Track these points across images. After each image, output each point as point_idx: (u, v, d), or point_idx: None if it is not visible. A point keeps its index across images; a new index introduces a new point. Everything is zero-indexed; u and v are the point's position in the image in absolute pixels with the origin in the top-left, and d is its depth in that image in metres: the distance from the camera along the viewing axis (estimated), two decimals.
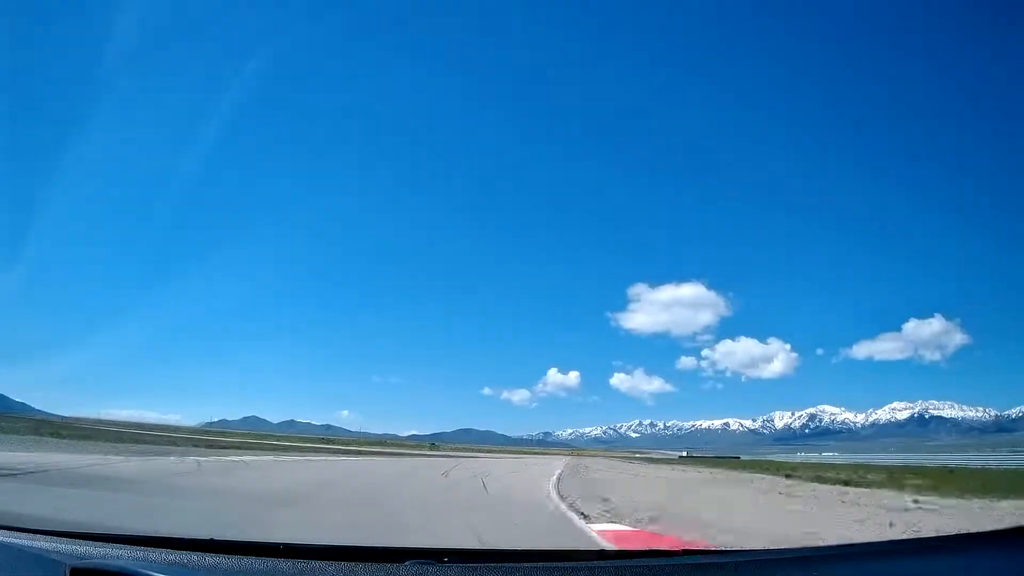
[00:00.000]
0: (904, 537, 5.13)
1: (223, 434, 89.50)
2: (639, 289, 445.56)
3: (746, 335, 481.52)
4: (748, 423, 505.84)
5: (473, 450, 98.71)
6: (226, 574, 1.87)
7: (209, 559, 1.94)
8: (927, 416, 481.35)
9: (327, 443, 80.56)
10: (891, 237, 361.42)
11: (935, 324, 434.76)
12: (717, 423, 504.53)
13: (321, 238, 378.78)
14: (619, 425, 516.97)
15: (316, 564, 1.83)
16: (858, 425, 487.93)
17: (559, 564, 2.18)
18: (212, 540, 2.17)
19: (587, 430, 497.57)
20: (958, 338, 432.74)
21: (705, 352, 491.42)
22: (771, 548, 4.13)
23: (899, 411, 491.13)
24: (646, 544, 6.30)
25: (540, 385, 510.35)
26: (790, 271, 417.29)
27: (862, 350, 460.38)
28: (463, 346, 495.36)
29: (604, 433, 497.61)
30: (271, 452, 31.87)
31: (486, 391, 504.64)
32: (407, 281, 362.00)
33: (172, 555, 1.95)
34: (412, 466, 25.56)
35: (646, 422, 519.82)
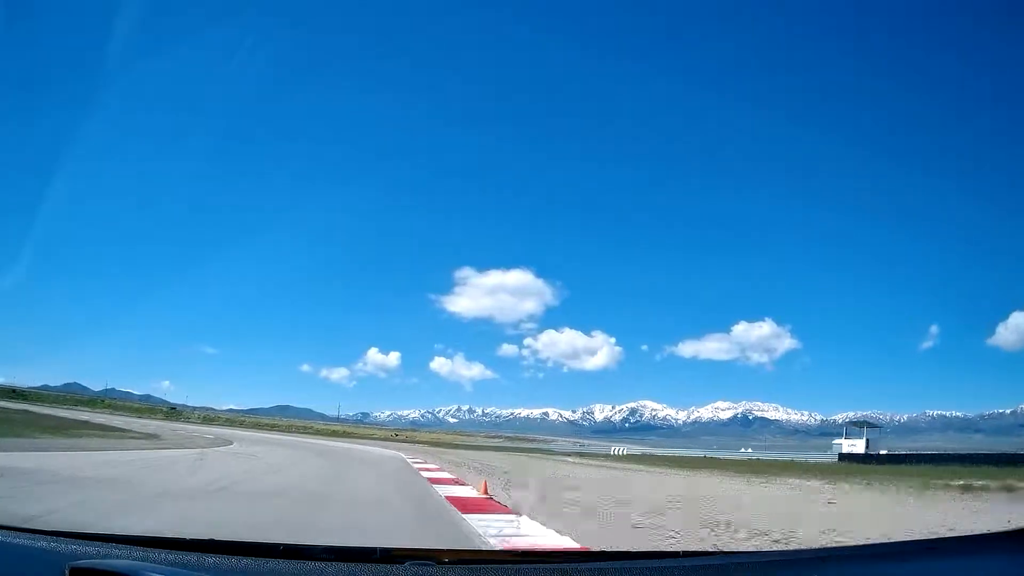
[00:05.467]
0: (905, 539, 5.18)
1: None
2: (466, 272, 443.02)
3: (571, 326, 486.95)
4: (568, 414, 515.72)
5: (286, 429, 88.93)
6: (226, 574, 1.89)
7: (209, 559, 1.96)
8: (751, 417, 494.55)
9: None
10: (727, 240, 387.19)
11: (765, 328, 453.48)
12: (536, 412, 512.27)
13: (152, 207, 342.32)
14: (437, 409, 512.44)
15: (316, 565, 1.88)
16: (679, 422, 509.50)
17: (559, 565, 2.27)
18: (212, 540, 2.23)
19: (405, 412, 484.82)
20: (787, 343, 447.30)
21: (528, 341, 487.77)
22: (772, 550, 4.22)
23: (722, 410, 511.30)
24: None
25: (360, 364, 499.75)
26: (621, 266, 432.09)
27: (688, 348, 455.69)
28: (284, 320, 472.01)
29: (422, 416, 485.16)
30: None
31: (305, 368, 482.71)
32: (229, 250, 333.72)
33: (172, 555, 1.96)
34: None
35: (464, 407, 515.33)
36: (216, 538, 2.26)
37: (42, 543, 2.07)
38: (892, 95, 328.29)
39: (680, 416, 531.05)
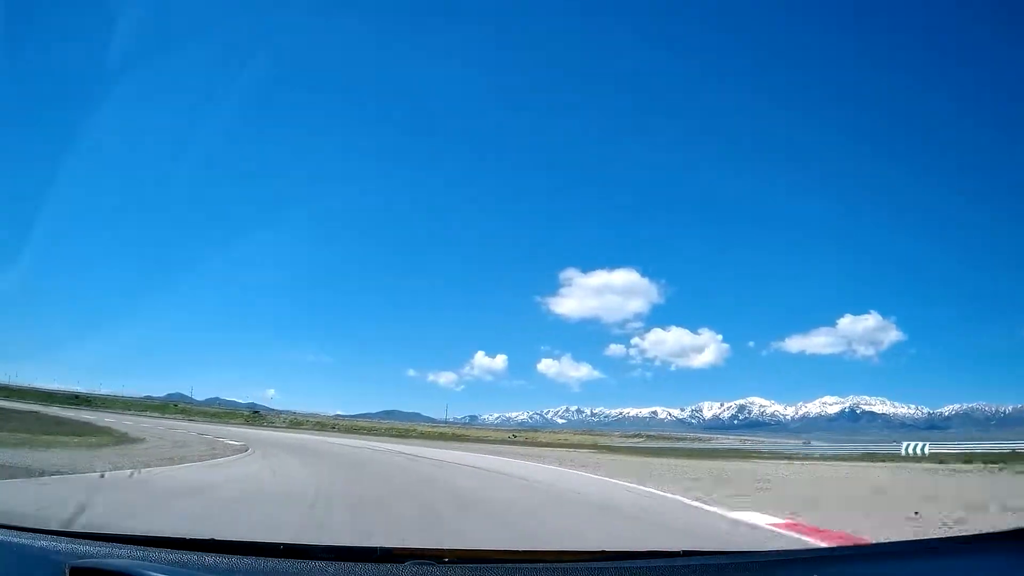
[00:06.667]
0: (905, 539, 5.31)
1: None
2: (570, 273, 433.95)
3: (677, 324, 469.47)
4: (676, 412, 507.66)
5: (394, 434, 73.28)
6: (226, 574, 1.89)
7: (209, 559, 1.96)
8: (858, 411, 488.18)
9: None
10: (830, 234, 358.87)
11: (870, 320, 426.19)
12: (645, 411, 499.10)
13: (253, 220, 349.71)
14: (545, 410, 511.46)
15: (316, 564, 1.88)
16: (787, 418, 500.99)
17: (560, 564, 2.30)
18: (212, 540, 2.23)
19: (513, 414, 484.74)
20: (892, 335, 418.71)
21: (635, 340, 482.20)
22: (772, 549, 4.20)
23: (829, 405, 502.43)
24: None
25: (467, 368, 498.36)
26: (726, 262, 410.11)
27: (794, 344, 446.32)
28: (389, 326, 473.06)
29: (530, 418, 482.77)
30: None
31: (411, 373, 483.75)
32: (334, 259, 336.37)
33: (172, 555, 1.96)
34: None
35: (572, 408, 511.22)
36: (216, 538, 2.24)
37: (42, 543, 2.06)
38: (991, 90, 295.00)
39: (788, 412, 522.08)
